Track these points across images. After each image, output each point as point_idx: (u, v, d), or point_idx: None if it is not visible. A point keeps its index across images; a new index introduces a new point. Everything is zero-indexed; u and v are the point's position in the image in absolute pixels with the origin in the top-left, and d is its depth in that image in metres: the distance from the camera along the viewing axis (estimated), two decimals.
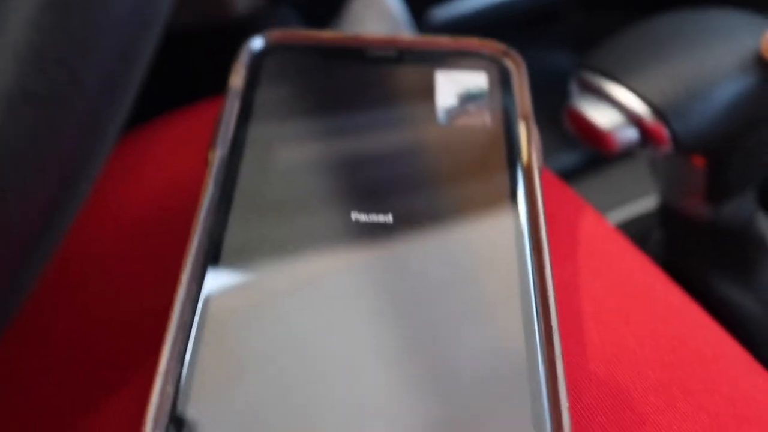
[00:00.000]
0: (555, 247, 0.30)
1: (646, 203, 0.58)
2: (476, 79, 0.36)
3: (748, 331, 0.50)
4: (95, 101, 0.25)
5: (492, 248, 0.30)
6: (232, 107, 0.33)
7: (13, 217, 0.24)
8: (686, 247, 0.51)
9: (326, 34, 0.37)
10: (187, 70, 0.53)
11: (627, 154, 0.45)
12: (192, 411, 0.25)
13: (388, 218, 0.30)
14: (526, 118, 0.34)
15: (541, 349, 0.27)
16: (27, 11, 0.24)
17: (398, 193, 0.32)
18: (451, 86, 0.36)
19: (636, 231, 0.50)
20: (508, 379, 0.26)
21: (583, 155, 0.61)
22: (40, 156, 0.24)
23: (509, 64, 0.36)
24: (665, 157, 0.46)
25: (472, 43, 0.37)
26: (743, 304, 0.51)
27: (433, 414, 0.25)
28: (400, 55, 0.37)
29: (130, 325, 0.33)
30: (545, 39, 0.67)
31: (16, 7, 0.24)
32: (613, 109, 0.41)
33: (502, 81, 0.36)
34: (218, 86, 0.35)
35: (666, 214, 0.52)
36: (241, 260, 0.29)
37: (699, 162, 0.46)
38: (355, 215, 0.30)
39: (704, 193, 0.47)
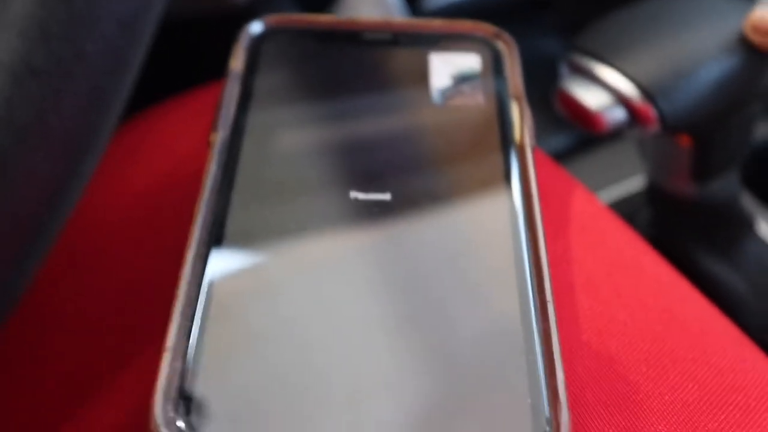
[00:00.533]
0: (548, 223, 0.30)
1: (634, 183, 0.58)
2: (469, 61, 0.36)
3: (731, 305, 0.50)
4: (99, 75, 0.25)
5: (487, 224, 0.30)
6: (232, 90, 0.33)
7: (19, 189, 0.24)
8: (673, 225, 0.51)
9: (323, 18, 0.37)
10: (188, 57, 0.52)
11: (616, 134, 0.45)
12: (199, 385, 0.25)
13: (386, 197, 0.30)
14: (518, 98, 0.34)
15: (536, 321, 0.27)
16: None
17: (395, 172, 0.31)
18: (445, 68, 0.35)
19: (625, 209, 0.50)
20: (505, 350, 0.26)
21: (574, 137, 0.61)
22: (45, 128, 0.24)
23: (501, 46, 0.36)
24: (652, 136, 0.46)
25: (465, 25, 0.37)
26: (727, 279, 0.51)
27: (432, 386, 0.25)
28: (394, 38, 0.36)
29: (136, 303, 0.33)
30: (536, 26, 0.67)
31: None
32: (602, 90, 0.41)
33: (495, 62, 0.35)
34: (219, 72, 0.35)
35: (653, 192, 0.52)
36: (244, 239, 0.29)
37: (685, 141, 0.46)
38: (354, 194, 0.30)
39: (690, 172, 0.47)
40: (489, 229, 0.29)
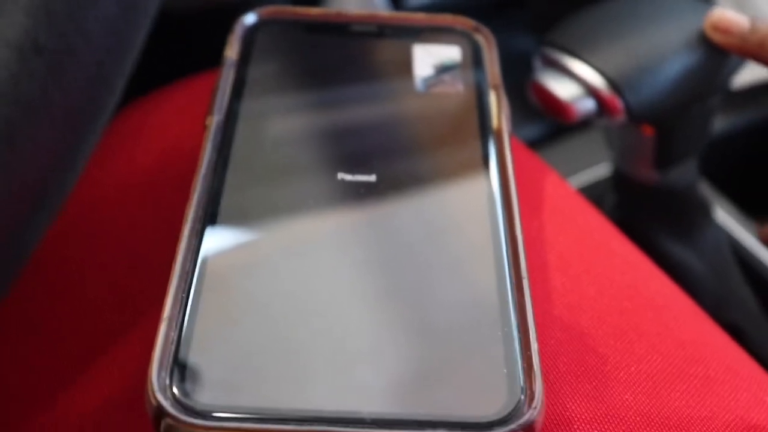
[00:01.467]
0: (522, 205, 0.29)
1: (601, 169, 0.58)
2: (450, 52, 0.35)
3: (690, 283, 0.50)
4: (102, 53, 0.24)
5: (467, 205, 0.29)
6: (227, 77, 0.33)
7: (25, 157, 0.23)
8: (636, 208, 0.51)
9: (313, 11, 0.36)
10: (187, 46, 0.52)
11: (585, 124, 0.45)
12: (193, 353, 0.24)
13: (372, 178, 0.30)
14: (496, 87, 0.33)
15: (512, 295, 0.26)
16: None
17: (380, 155, 0.31)
18: (428, 58, 0.35)
19: (592, 194, 0.50)
20: (483, 323, 0.26)
21: (546, 126, 0.61)
22: (49, 103, 0.23)
23: (480, 38, 0.36)
24: (618, 126, 0.46)
25: (446, 19, 0.36)
26: (686, 259, 0.51)
27: (414, 354, 0.25)
28: (380, 30, 0.36)
29: (135, 275, 0.32)
30: (510, 23, 0.67)
31: None
32: (572, 82, 0.41)
33: (474, 54, 0.35)
34: (215, 61, 0.35)
35: (618, 178, 0.52)
36: (237, 216, 0.28)
37: (648, 131, 0.46)
38: (341, 175, 0.30)
39: (652, 160, 0.47)
40: (468, 209, 0.29)
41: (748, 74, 0.60)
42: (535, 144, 0.60)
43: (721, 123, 0.61)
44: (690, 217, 0.52)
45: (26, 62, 0.23)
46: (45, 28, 0.23)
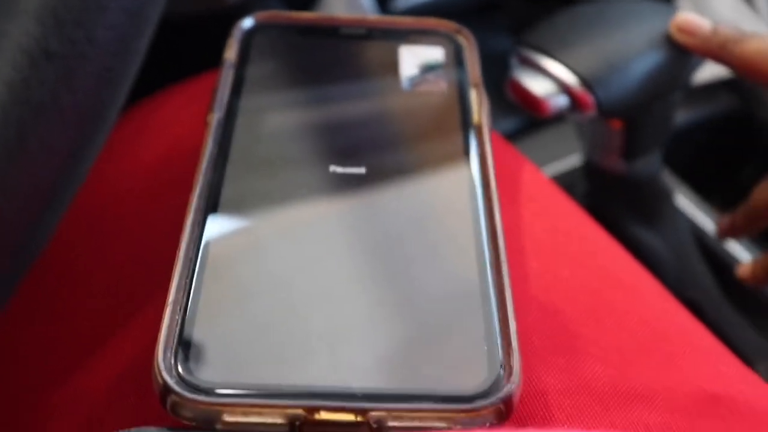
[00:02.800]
0: (501, 194, 0.29)
1: (573, 160, 0.58)
2: (434, 53, 0.35)
3: (654, 264, 0.50)
4: (109, 58, 0.24)
5: (450, 194, 0.29)
6: (226, 77, 0.32)
7: (36, 158, 0.23)
8: (605, 196, 0.51)
9: (306, 15, 0.36)
10: (188, 49, 0.51)
11: (558, 118, 0.44)
12: (197, 334, 0.24)
13: (362, 170, 0.29)
14: (476, 86, 0.33)
15: (492, 278, 0.26)
16: None
17: (370, 149, 0.31)
18: (413, 59, 0.34)
19: (564, 183, 0.50)
20: (465, 303, 0.25)
21: (522, 120, 0.61)
22: (59, 106, 0.23)
23: (461, 40, 0.35)
24: (589, 120, 0.46)
25: (430, 22, 0.36)
26: (650, 242, 0.51)
27: (400, 333, 0.25)
28: (369, 32, 0.35)
29: (142, 263, 0.32)
30: (489, 25, 0.66)
31: None
32: (547, 79, 0.41)
33: (456, 54, 0.35)
34: (214, 62, 0.34)
35: (589, 168, 0.51)
36: (236, 206, 0.28)
37: (617, 125, 0.46)
38: (333, 168, 0.29)
39: (621, 151, 0.47)
40: (451, 198, 0.29)
41: (707, 72, 0.60)
42: (512, 136, 0.59)
43: (682, 117, 0.60)
44: (654, 203, 0.52)
45: (37, 67, 0.22)
46: (55, 34, 0.22)
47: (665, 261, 0.51)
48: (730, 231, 0.47)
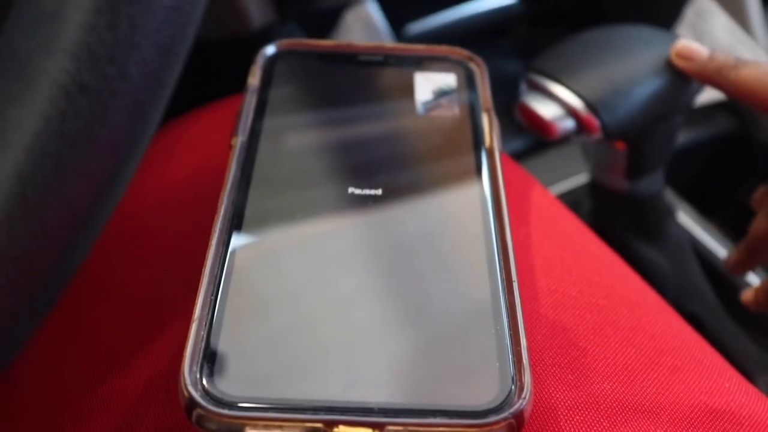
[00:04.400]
0: (511, 214, 0.29)
1: (578, 179, 0.57)
2: (447, 79, 0.34)
3: (656, 279, 0.49)
4: (140, 92, 0.24)
5: (462, 215, 0.29)
6: (250, 101, 0.32)
7: (71, 187, 0.23)
8: (609, 214, 0.51)
9: (326, 43, 0.35)
10: (214, 75, 0.51)
11: (564, 140, 0.44)
12: (221, 349, 0.24)
13: (378, 192, 0.29)
14: (488, 110, 0.33)
15: (503, 296, 0.26)
16: (82, 15, 0.22)
17: (385, 171, 0.30)
18: (427, 84, 0.34)
19: (570, 201, 0.50)
20: (478, 321, 0.25)
21: (531, 141, 0.61)
22: (93, 138, 0.23)
23: (473, 66, 0.35)
24: (595, 142, 0.46)
25: (443, 49, 0.36)
26: (653, 258, 0.51)
27: (415, 348, 0.24)
28: (385, 59, 0.35)
29: (170, 279, 0.32)
30: (499, 51, 0.66)
31: (71, 11, 0.22)
32: (554, 103, 0.41)
33: (468, 80, 0.34)
34: (239, 87, 0.34)
35: (594, 187, 0.51)
36: (259, 226, 0.28)
37: (621, 146, 0.45)
38: (351, 189, 0.29)
39: (624, 171, 0.47)
40: (463, 218, 0.29)
41: (707, 94, 0.59)
42: (520, 156, 0.59)
43: (683, 137, 0.60)
44: (656, 220, 0.51)
45: (72, 101, 0.22)
46: (89, 69, 0.22)
47: (667, 276, 0.51)
48: (736, 267, 0.47)
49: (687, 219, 0.57)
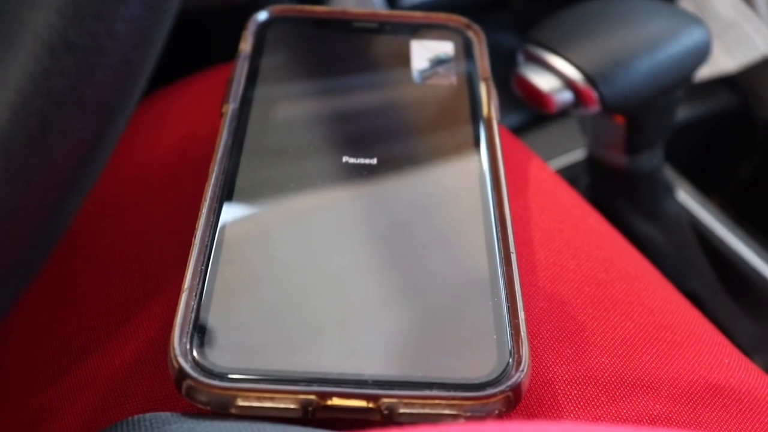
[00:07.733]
0: (509, 186, 0.28)
1: (577, 154, 0.57)
2: (444, 47, 0.34)
3: (654, 254, 0.49)
4: (128, 50, 0.23)
5: (460, 185, 0.28)
6: (241, 68, 0.31)
7: (57, 148, 0.22)
8: (608, 189, 0.51)
9: (319, 9, 0.35)
10: (205, 41, 0.50)
11: (562, 113, 0.43)
12: (211, 320, 0.23)
13: (373, 161, 0.29)
14: (486, 79, 0.32)
15: (501, 268, 0.25)
16: None
17: (381, 140, 0.30)
18: (424, 52, 0.34)
19: (568, 176, 0.49)
20: (476, 293, 0.25)
21: (529, 115, 0.60)
22: (79, 97, 0.22)
23: (471, 34, 0.35)
24: (593, 115, 0.45)
25: (440, 17, 0.35)
26: (651, 234, 0.51)
27: (411, 320, 0.24)
28: (380, 26, 0.35)
29: (159, 249, 0.31)
30: (496, 22, 0.66)
31: None
32: (552, 75, 0.40)
33: (466, 49, 0.34)
34: (230, 54, 0.33)
35: (592, 162, 0.51)
36: (250, 194, 0.27)
37: (620, 120, 0.45)
38: (346, 158, 0.29)
39: (623, 146, 0.47)
40: (461, 189, 0.28)
41: (707, 69, 0.59)
42: (518, 130, 0.58)
43: (683, 113, 0.60)
44: (655, 196, 0.51)
45: (57, 59, 0.22)
46: (75, 26, 0.22)
47: (665, 253, 0.51)
48: None
49: (686, 196, 0.57)
